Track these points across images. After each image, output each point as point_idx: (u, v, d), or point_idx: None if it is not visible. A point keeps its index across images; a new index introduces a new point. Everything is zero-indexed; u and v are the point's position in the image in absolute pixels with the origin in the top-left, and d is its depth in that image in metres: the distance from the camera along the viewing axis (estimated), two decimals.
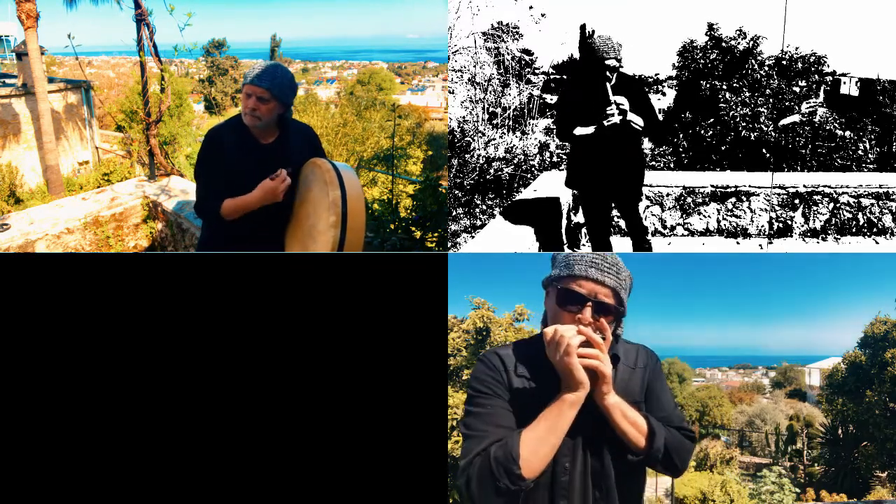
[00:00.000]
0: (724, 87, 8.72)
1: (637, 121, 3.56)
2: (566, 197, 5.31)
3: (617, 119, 3.49)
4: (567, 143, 3.76)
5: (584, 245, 5.51)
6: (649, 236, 4.03)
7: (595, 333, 1.23)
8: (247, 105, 2.63)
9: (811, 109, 8.31)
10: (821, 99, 8.43)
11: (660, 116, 3.68)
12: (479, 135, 8.51)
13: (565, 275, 1.32)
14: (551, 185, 5.43)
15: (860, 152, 8.63)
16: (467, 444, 1.24)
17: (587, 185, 3.79)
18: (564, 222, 5.20)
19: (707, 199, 5.67)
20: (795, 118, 8.31)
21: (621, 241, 4.08)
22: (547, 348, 1.25)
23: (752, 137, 8.62)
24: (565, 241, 5.15)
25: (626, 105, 3.51)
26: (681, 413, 1.42)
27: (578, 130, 3.63)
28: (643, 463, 1.32)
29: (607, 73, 3.52)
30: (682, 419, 1.39)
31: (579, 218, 5.54)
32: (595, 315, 1.28)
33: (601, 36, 3.55)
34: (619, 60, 3.53)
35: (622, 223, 4.00)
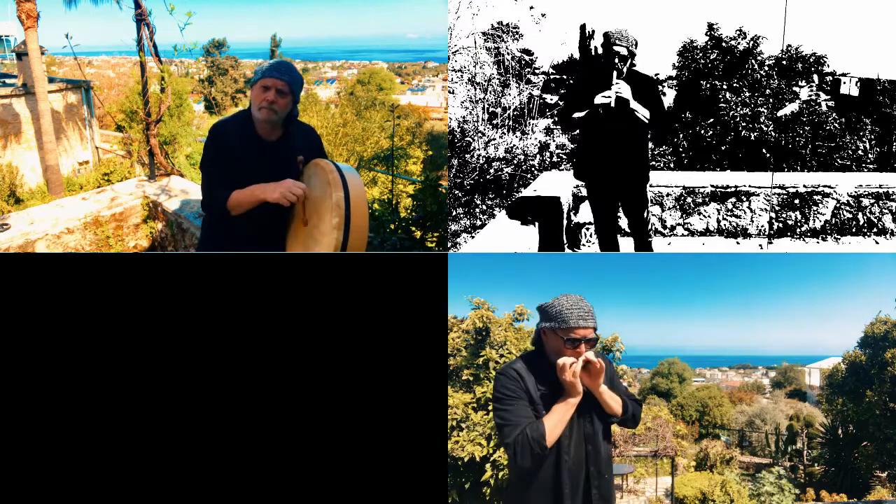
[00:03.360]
0: (724, 87, 8.72)
1: (641, 110, 3.58)
2: (566, 197, 5.30)
3: (612, 100, 3.52)
4: (569, 132, 3.85)
5: (584, 245, 5.51)
6: (651, 237, 4.05)
7: (590, 354, 2.01)
8: (264, 98, 2.61)
9: (810, 98, 8.30)
10: (818, 88, 8.43)
11: (668, 118, 3.77)
12: (479, 135, 8.51)
13: (565, 326, 2.00)
14: (551, 185, 5.43)
15: (860, 152, 8.63)
16: (507, 429, 1.97)
17: (594, 178, 3.81)
18: (565, 222, 5.19)
19: (707, 199, 5.67)
20: (794, 107, 8.30)
21: (622, 241, 4.08)
22: (558, 372, 1.96)
23: (752, 137, 8.61)
24: (566, 241, 5.15)
25: (624, 92, 3.53)
26: (628, 390, 2.21)
27: (576, 115, 3.68)
28: (617, 423, 2.11)
29: (616, 61, 3.55)
30: (632, 395, 2.18)
31: (580, 218, 5.54)
32: (586, 346, 2.01)
33: (617, 28, 3.60)
34: (629, 50, 3.56)
35: (624, 221, 4.02)
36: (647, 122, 3.60)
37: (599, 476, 2.05)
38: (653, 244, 4.04)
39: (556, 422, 1.94)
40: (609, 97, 3.54)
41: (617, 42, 3.55)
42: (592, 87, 3.61)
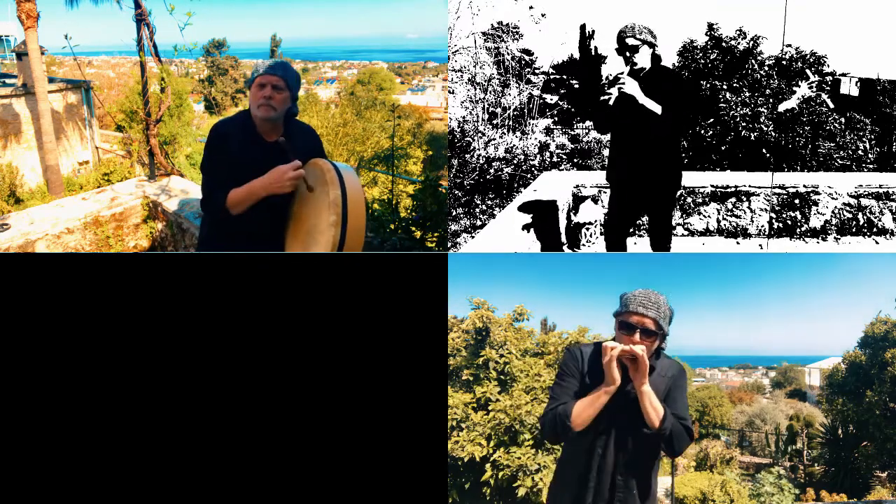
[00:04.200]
0: (725, 87, 8.73)
1: (651, 106, 3.42)
2: (566, 197, 5.30)
3: (613, 96, 3.43)
4: (603, 133, 3.76)
5: (584, 245, 5.51)
6: (672, 239, 3.95)
7: (637, 347, 1.91)
8: (262, 95, 2.62)
9: (809, 93, 8.29)
10: (818, 88, 8.43)
11: (681, 116, 3.59)
12: (479, 135, 8.51)
13: (623, 311, 1.97)
14: (551, 185, 5.43)
15: (860, 152, 8.63)
16: (549, 403, 2.00)
17: (618, 177, 3.71)
18: (564, 222, 5.19)
19: (707, 199, 5.67)
20: (794, 103, 8.31)
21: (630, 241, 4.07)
22: (602, 356, 1.91)
23: (752, 137, 8.62)
24: (566, 241, 5.15)
25: (628, 88, 3.41)
26: (688, 415, 2.00)
27: (597, 113, 3.61)
28: (655, 439, 1.91)
29: (627, 54, 3.47)
30: (688, 419, 1.97)
31: (580, 218, 5.54)
32: (642, 337, 1.93)
33: (632, 21, 3.52)
34: (641, 40, 3.46)
35: (644, 221, 3.92)
36: (657, 115, 3.44)
37: (626, 490, 1.91)
38: (671, 247, 3.96)
39: (586, 405, 1.91)
40: (610, 93, 3.45)
41: (625, 34, 3.50)
42: (606, 85, 3.57)
